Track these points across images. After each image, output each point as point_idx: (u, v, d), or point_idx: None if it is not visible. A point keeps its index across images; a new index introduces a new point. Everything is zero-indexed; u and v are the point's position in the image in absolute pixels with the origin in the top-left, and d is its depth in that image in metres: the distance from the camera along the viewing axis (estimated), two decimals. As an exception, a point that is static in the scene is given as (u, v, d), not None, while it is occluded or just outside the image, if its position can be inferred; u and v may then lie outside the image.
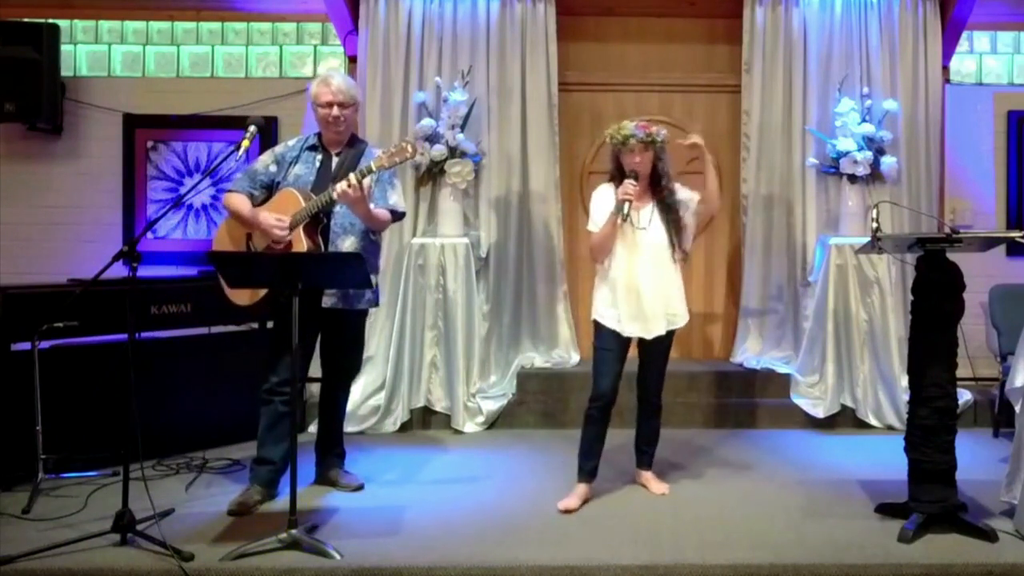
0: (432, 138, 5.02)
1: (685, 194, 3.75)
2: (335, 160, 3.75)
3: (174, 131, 5.48)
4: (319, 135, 3.80)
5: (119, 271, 3.28)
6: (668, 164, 3.71)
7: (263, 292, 3.59)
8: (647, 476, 3.89)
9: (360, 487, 3.85)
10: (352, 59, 5.39)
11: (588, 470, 3.69)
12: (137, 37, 5.55)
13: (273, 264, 3.33)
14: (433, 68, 5.21)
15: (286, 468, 3.55)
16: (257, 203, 3.70)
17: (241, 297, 3.65)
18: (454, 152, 5.00)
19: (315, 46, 5.57)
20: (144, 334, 4.09)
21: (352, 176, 3.49)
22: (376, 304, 3.97)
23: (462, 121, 5.03)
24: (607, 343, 3.67)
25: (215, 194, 5.44)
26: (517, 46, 5.24)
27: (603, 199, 3.70)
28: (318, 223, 3.62)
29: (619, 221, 3.54)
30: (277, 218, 3.54)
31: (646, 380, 3.81)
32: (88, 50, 5.54)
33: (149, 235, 4.68)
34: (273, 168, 3.74)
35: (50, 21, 5.30)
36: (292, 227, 3.54)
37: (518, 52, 5.25)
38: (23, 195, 5.45)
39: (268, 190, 3.74)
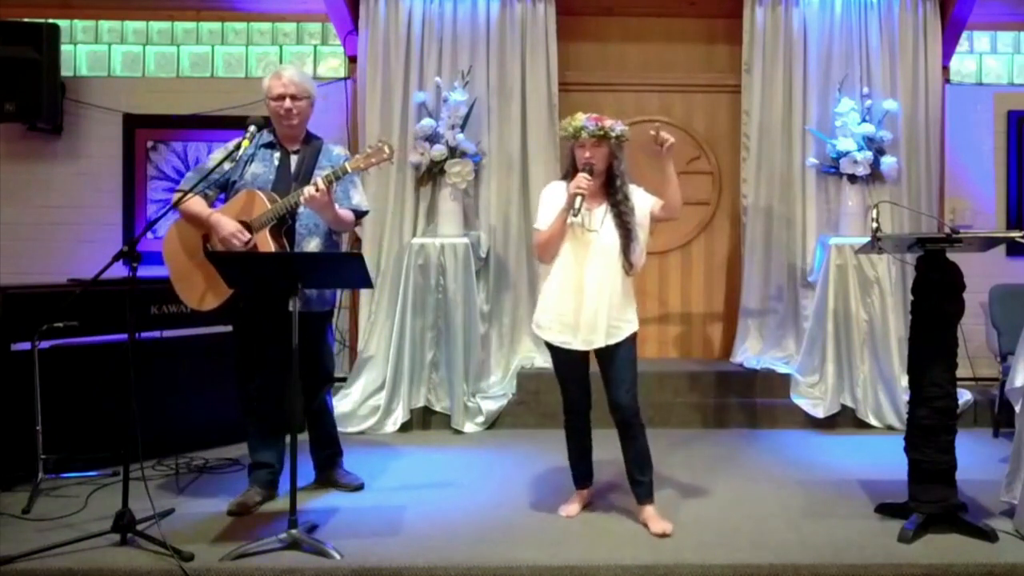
0: (432, 138, 5.01)
1: (643, 199, 3.42)
2: (294, 158, 3.66)
3: (174, 131, 5.48)
4: (273, 131, 3.69)
5: (119, 271, 3.27)
6: (625, 164, 3.38)
7: (220, 297, 3.50)
8: (647, 513, 3.39)
9: (360, 487, 3.85)
10: (352, 59, 5.39)
11: (582, 476, 3.62)
12: (137, 37, 5.54)
13: (274, 264, 3.32)
14: (433, 68, 5.21)
15: (284, 468, 3.54)
16: (211, 202, 3.63)
17: (192, 299, 3.59)
18: (454, 152, 5.00)
19: (315, 46, 5.57)
20: (144, 334, 4.09)
21: (320, 180, 3.38)
22: (334, 305, 3.92)
23: (462, 121, 5.03)
24: (553, 352, 3.46)
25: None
26: (517, 46, 5.24)
27: (553, 195, 3.41)
28: (283, 224, 3.53)
29: (570, 218, 3.26)
30: (239, 229, 3.47)
31: (609, 393, 3.39)
32: (88, 50, 5.54)
33: (149, 235, 4.60)
34: (227, 166, 3.62)
35: (50, 21, 5.30)
36: (258, 229, 3.48)
37: (518, 52, 5.24)
38: (23, 195, 5.44)
39: (223, 189, 3.66)
